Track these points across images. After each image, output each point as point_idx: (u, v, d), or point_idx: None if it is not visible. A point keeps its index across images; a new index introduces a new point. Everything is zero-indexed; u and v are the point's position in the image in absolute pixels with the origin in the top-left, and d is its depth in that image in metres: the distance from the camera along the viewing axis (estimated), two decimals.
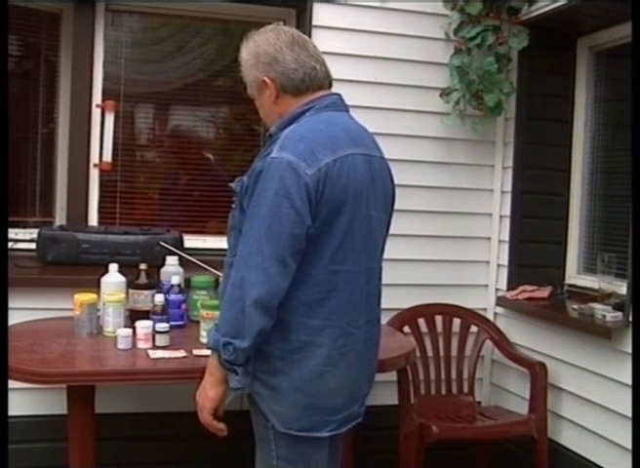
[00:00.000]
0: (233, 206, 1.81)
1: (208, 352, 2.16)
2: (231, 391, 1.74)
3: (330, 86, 1.84)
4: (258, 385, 1.71)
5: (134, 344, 2.22)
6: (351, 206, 1.70)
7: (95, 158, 3.05)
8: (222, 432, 1.77)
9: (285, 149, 1.64)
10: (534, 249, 3.19)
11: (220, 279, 1.95)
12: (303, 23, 3.02)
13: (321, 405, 1.72)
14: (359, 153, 1.75)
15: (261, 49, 1.78)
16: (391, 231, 1.92)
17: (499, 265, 3.28)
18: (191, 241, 3.09)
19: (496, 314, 3.29)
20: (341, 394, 1.76)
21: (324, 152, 1.66)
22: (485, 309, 3.29)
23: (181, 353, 2.17)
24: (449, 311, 3.19)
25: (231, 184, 1.82)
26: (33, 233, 2.92)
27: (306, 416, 1.71)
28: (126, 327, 2.30)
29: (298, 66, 1.76)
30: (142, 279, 2.48)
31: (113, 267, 2.48)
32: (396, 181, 1.90)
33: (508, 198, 3.22)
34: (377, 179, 1.79)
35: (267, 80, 1.77)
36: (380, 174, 1.82)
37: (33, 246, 2.85)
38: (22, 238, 2.98)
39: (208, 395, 1.72)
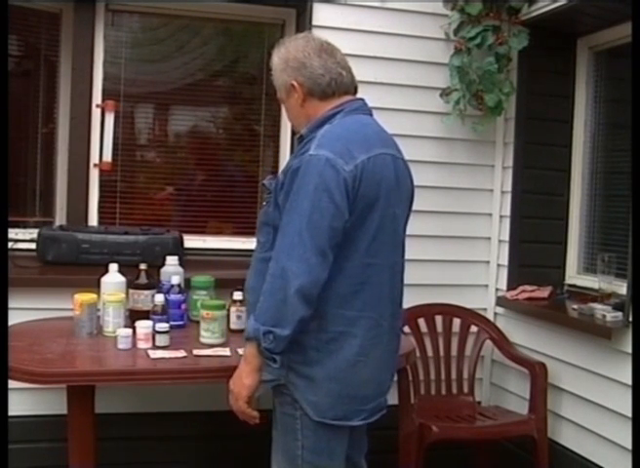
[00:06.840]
0: (264, 203, 1.89)
1: (208, 352, 2.18)
2: (262, 384, 1.79)
3: (355, 91, 1.93)
4: (293, 376, 1.77)
5: (134, 344, 2.22)
6: (382, 202, 1.78)
7: (95, 158, 3.05)
8: (255, 419, 1.83)
9: (323, 147, 1.72)
10: (534, 249, 3.19)
11: (246, 275, 1.97)
12: (303, 23, 3.02)
13: (354, 394, 1.80)
14: (388, 153, 1.84)
15: (291, 54, 1.87)
16: None
17: (499, 265, 3.27)
18: (191, 241, 3.10)
19: (496, 314, 3.29)
20: (372, 384, 1.84)
21: (359, 150, 1.75)
22: (485, 309, 3.29)
23: (181, 353, 2.17)
24: (449, 311, 3.19)
25: (264, 182, 1.91)
26: (33, 233, 2.92)
27: (340, 405, 1.78)
28: (126, 327, 2.30)
29: (324, 72, 1.85)
30: (142, 279, 2.48)
31: (113, 267, 2.48)
32: None
33: (508, 198, 3.22)
34: (400, 179, 1.87)
35: (295, 84, 1.86)
36: (403, 174, 1.90)
37: (33, 246, 2.85)
38: (22, 238, 2.98)
39: (244, 383, 1.78)
